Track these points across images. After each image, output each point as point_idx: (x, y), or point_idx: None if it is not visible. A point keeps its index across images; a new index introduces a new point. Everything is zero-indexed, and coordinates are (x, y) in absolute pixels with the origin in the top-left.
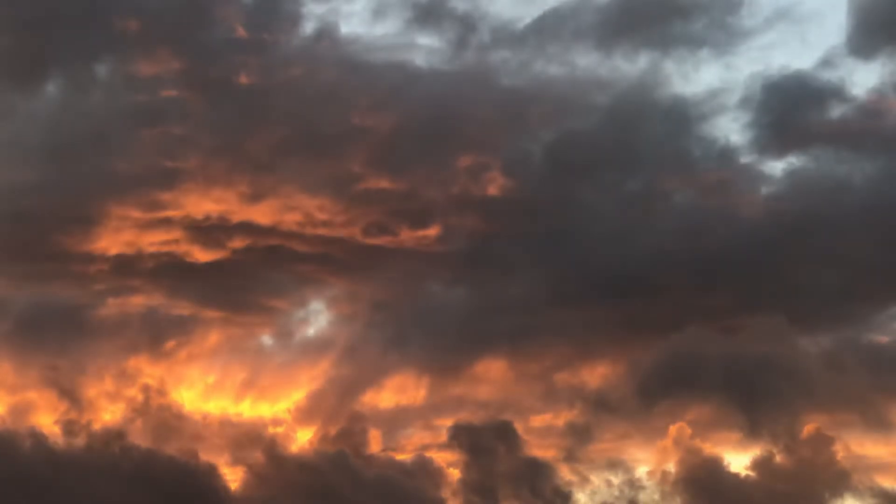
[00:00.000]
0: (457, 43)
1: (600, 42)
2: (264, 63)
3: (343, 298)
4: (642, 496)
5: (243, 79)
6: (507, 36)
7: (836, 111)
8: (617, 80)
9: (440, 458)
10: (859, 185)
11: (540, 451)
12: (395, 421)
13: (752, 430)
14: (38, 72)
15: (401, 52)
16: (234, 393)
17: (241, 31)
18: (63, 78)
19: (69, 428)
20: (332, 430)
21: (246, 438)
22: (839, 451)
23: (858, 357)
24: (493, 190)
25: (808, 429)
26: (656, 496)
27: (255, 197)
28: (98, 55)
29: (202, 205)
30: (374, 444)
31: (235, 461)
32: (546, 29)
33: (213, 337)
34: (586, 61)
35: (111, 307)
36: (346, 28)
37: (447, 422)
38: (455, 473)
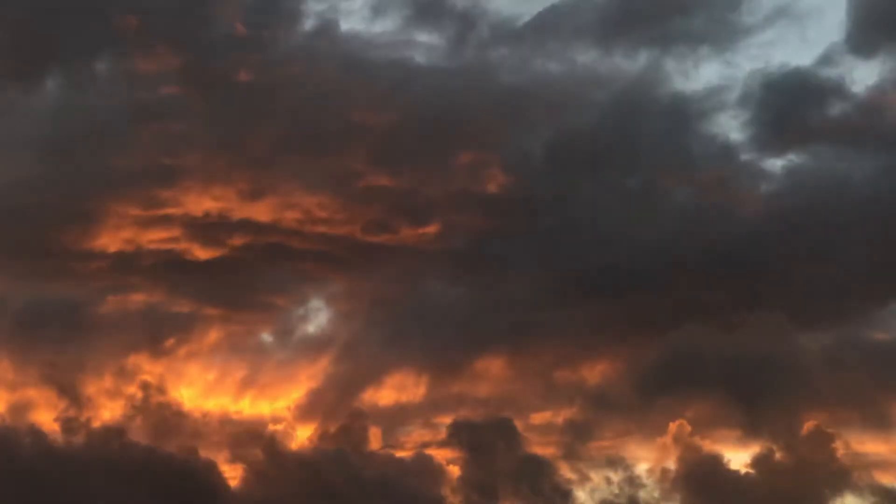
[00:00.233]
0: (456, 40)
1: (600, 39)
2: (264, 60)
3: (343, 296)
4: (642, 493)
5: (243, 76)
6: (506, 33)
7: (836, 108)
8: (616, 78)
9: (440, 455)
10: (859, 183)
11: (540, 448)
12: (394, 418)
13: (751, 428)
14: (38, 68)
15: (400, 49)
16: (234, 390)
17: (241, 28)
18: (62, 75)
19: (69, 425)
20: (332, 428)
21: (246, 436)
22: (839, 449)
23: (858, 354)
24: (492, 187)
25: (808, 426)
26: (656, 494)
27: (254, 194)
28: (97, 52)
29: (202, 202)
30: (374, 441)
31: (235, 458)
32: (546, 26)
33: (213, 334)
34: (586, 58)
35: (111, 304)
36: (346, 25)
37: (447, 419)
38: (455, 471)
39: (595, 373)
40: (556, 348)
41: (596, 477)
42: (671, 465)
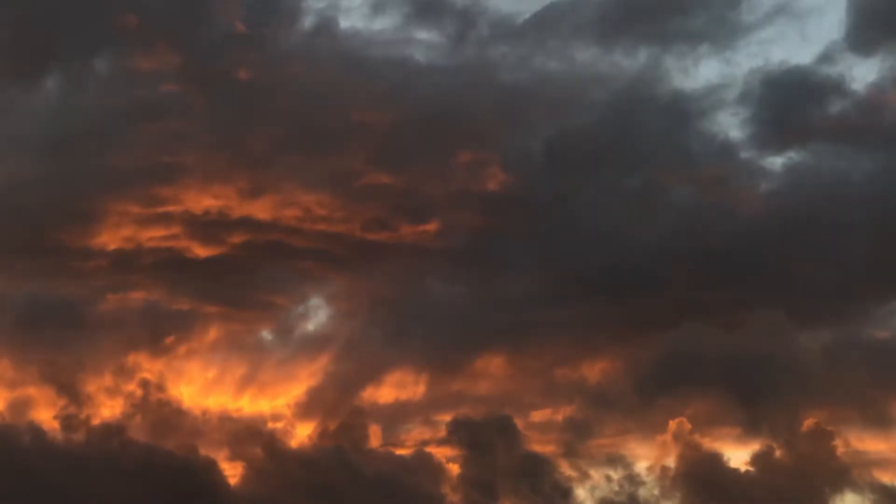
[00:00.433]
0: (456, 38)
1: (600, 37)
2: (263, 58)
3: (342, 294)
4: (642, 491)
5: (242, 74)
6: (506, 31)
7: (835, 106)
8: (616, 76)
9: (440, 453)
10: (859, 181)
11: (539, 446)
12: (394, 416)
13: (751, 426)
14: (37, 67)
15: (400, 47)
16: (234, 388)
17: (240, 27)
18: (62, 73)
19: (68, 423)
20: (332, 426)
21: (245, 434)
22: (839, 447)
23: (858, 352)
24: (492, 186)
25: (807, 424)
26: (656, 491)
27: (254, 192)
28: (97, 50)
29: (201, 200)
30: (374, 439)
31: (235, 456)
32: (545, 24)
33: (213, 332)
34: (586, 57)
35: (110, 302)
36: (346, 23)
37: (447, 417)
38: (454, 469)
39: (595, 371)
40: (556, 346)
41: (596, 475)
42: (671, 463)
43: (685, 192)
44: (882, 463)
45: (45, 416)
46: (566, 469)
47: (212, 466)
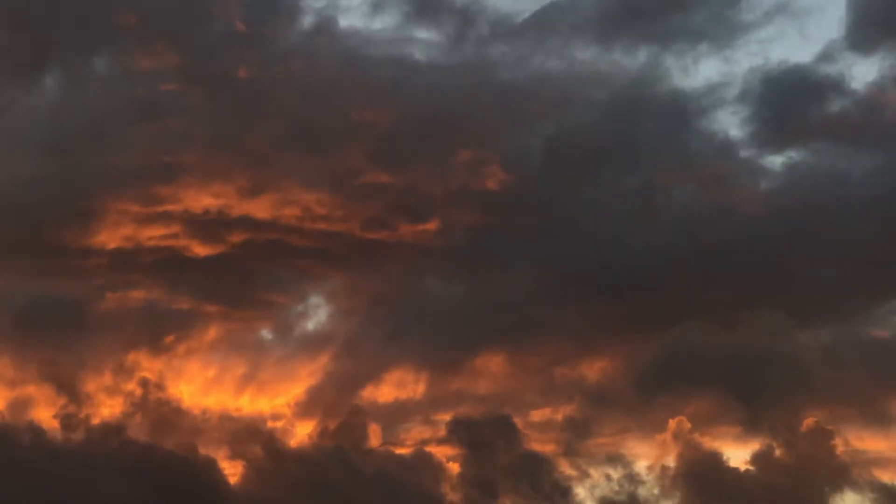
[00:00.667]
0: (455, 37)
1: (599, 36)
2: (263, 57)
3: (342, 293)
4: (642, 490)
5: (242, 73)
6: (505, 30)
7: (835, 105)
8: (616, 75)
9: (439, 452)
10: (859, 179)
11: (539, 445)
12: (394, 415)
13: (751, 425)
14: (37, 66)
15: (399, 46)
16: (234, 387)
17: (240, 25)
18: (62, 72)
19: (68, 422)
20: (332, 425)
21: (245, 433)
22: (839, 446)
23: (858, 351)
24: (492, 184)
25: (807, 423)
26: (656, 490)
27: (254, 191)
28: (96, 49)
29: (201, 199)
30: (374, 438)
31: (234, 455)
32: (545, 23)
33: (213, 331)
34: (585, 55)
35: (110, 301)
36: (345, 22)
37: (446, 416)
38: (454, 468)
39: (595, 370)
40: (556, 345)
41: (595, 474)
42: (671, 462)
43: (685, 191)
44: (882, 462)
45: (45, 415)
46: (566, 468)
47: (211, 466)
